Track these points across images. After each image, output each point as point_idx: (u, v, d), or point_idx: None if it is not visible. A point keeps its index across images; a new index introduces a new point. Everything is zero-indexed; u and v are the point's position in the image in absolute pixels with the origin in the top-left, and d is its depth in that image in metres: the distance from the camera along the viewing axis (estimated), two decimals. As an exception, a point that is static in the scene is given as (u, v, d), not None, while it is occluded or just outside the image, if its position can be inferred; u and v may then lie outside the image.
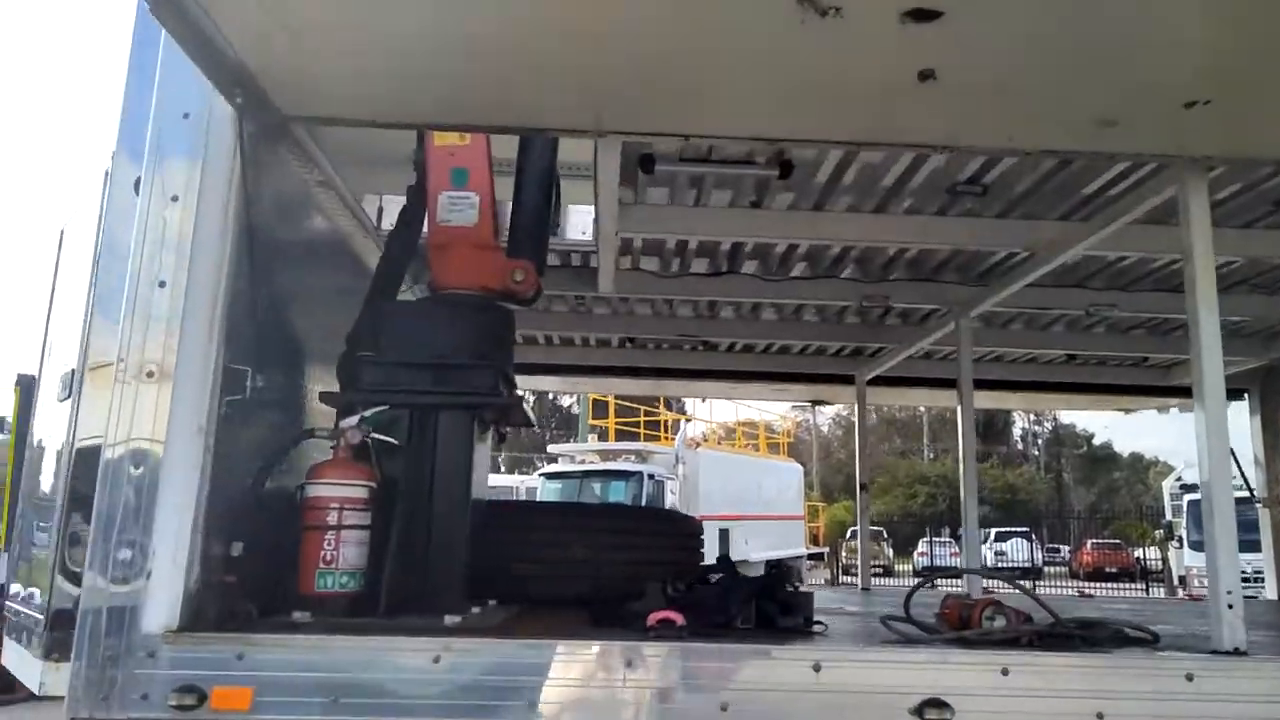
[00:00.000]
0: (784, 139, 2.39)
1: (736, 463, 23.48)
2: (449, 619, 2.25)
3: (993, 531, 39.49)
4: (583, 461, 21.45)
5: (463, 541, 2.60)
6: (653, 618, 2.33)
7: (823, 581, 30.32)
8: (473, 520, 2.83)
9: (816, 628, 2.62)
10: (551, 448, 24.95)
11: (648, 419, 23.11)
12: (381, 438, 2.54)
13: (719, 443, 28.04)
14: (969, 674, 2.15)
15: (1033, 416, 58.62)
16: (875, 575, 36.06)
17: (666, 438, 21.80)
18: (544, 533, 3.20)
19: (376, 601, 2.37)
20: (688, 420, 25.05)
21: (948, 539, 40.58)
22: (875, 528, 43.35)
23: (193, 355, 2.18)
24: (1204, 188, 2.41)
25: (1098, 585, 30.60)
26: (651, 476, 20.15)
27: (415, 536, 2.51)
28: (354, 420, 2.48)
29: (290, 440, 2.45)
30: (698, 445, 21.38)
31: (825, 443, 64.57)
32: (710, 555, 15.95)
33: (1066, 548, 40.31)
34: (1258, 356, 4.97)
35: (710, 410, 26.36)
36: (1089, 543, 37.37)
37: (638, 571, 2.94)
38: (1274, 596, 5.52)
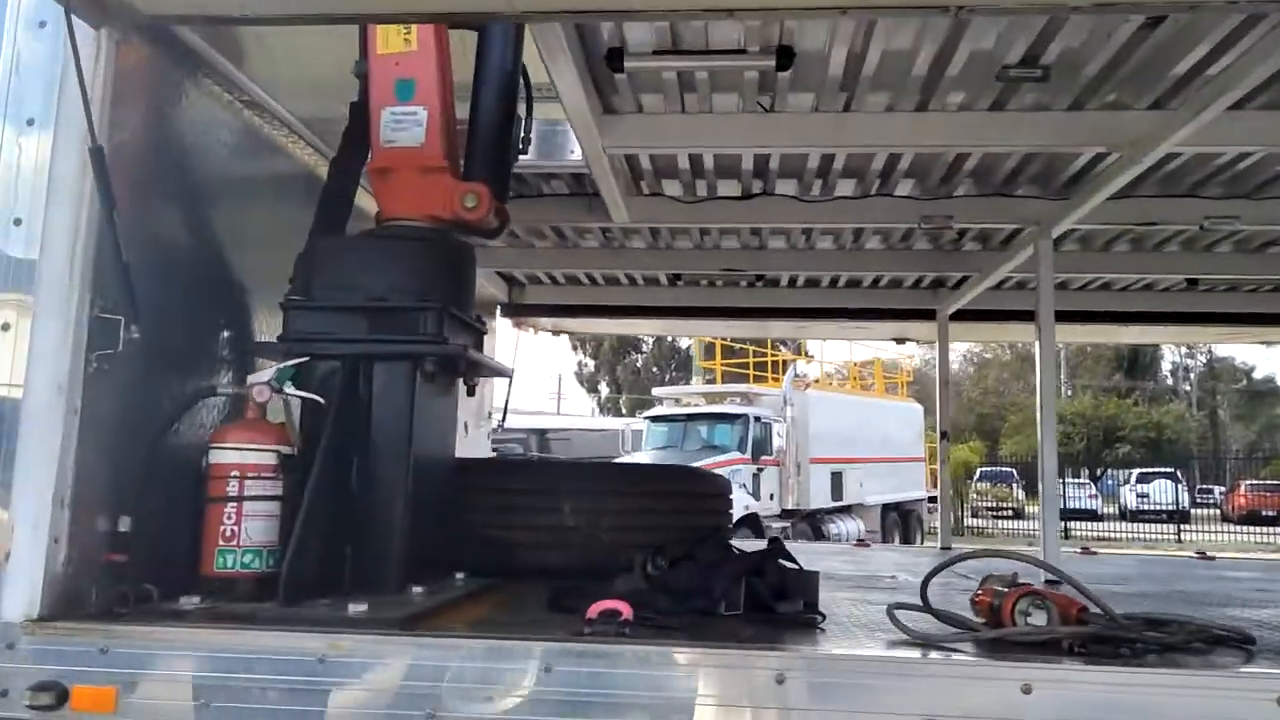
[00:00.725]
0: (752, 7, 1.85)
1: (849, 403, 22.65)
2: (354, 608, 1.91)
3: (1135, 472, 37.21)
4: (688, 405, 21.21)
5: (401, 511, 2.26)
6: (594, 609, 1.93)
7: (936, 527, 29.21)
8: (439, 483, 2.51)
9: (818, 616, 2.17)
10: (656, 390, 24.83)
11: (757, 360, 22.62)
12: (301, 394, 2.20)
13: (842, 384, 27.15)
14: (977, 691, 1.67)
15: (1184, 349, 54.90)
16: (1006, 519, 34.67)
17: (775, 379, 21.28)
18: (526, 496, 2.84)
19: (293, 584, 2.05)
20: (807, 360, 24.37)
21: (1085, 480, 38.54)
22: (1007, 469, 41.55)
23: (51, 304, 1.88)
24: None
25: (1253, 529, 28.36)
26: (758, 419, 19.77)
27: (337, 507, 2.18)
28: (264, 375, 2.15)
29: (188, 400, 2.14)
30: (807, 386, 20.71)
31: (956, 380, 62.38)
32: (821, 499, 15.68)
33: (1221, 489, 37.71)
34: None
35: (821, 351, 25.42)
36: (1244, 484, 34.81)
37: (636, 539, 2.56)
38: None
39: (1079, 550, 5.26)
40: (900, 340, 5.92)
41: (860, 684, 1.68)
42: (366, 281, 2.35)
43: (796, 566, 2.29)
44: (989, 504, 37.11)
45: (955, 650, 1.83)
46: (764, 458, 19.89)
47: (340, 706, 1.75)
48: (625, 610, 1.93)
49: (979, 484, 38.64)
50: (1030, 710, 1.63)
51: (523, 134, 2.68)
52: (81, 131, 1.88)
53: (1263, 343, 5.57)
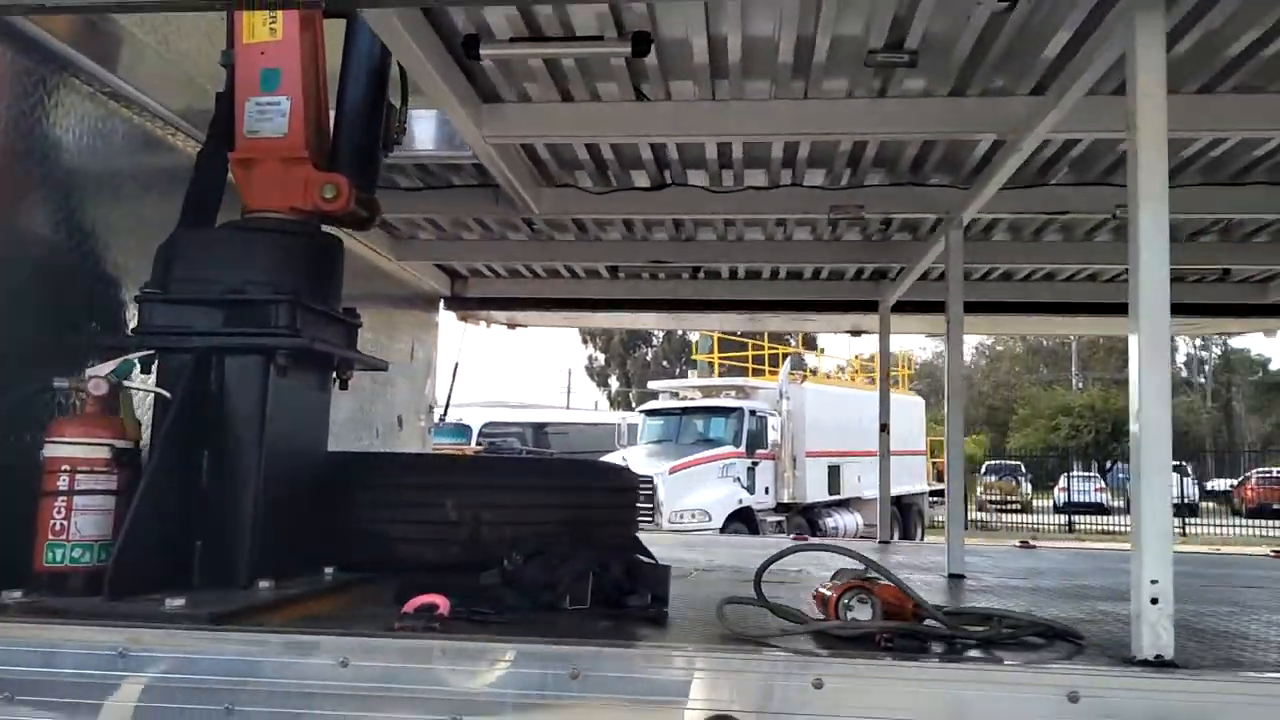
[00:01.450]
0: None
1: (846, 397, 22.54)
2: (170, 603, 1.90)
3: (1142, 466, 36.75)
4: (685, 398, 21.21)
5: (250, 506, 2.25)
6: (410, 604, 1.91)
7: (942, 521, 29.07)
8: (302, 477, 2.50)
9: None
10: (653, 384, 24.83)
11: (755, 354, 22.57)
12: (141, 387, 2.19)
13: (853, 376, 27.02)
14: (768, 684, 1.64)
15: (1199, 341, 54.40)
16: (1013, 512, 34.43)
17: (773, 373, 21.23)
18: (412, 491, 2.82)
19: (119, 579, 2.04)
20: (819, 355, 24.27)
21: (1093, 474, 38.21)
22: (1013, 462, 41.25)
23: None
24: (1158, 32, 1.71)
25: (1262, 523, 28.00)
26: (753, 412, 19.73)
27: (182, 501, 2.18)
28: (103, 369, 2.14)
29: (18, 396, 2.13)
30: (804, 379, 20.63)
31: (969, 373, 62.06)
32: (817, 493, 15.61)
33: (1233, 482, 37.36)
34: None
35: (824, 345, 25.35)
36: (1254, 476, 34.44)
37: (525, 534, 2.54)
38: None
39: (1019, 544, 5.22)
40: (855, 333, 5.87)
41: (646, 678, 1.65)
42: (223, 274, 2.34)
43: (650, 561, 2.27)
44: (995, 498, 36.90)
45: (765, 645, 1.80)
46: (759, 451, 19.83)
47: (140, 701, 1.74)
48: (442, 605, 1.91)
49: (986, 478, 38.40)
50: (818, 703, 1.60)
51: (397, 124, 2.66)
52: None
53: (1225, 334, 5.44)
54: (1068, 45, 2.43)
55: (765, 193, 3.49)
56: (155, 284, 2.37)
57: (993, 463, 40.05)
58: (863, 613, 1.88)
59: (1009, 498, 35.92)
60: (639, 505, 3.33)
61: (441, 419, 5.28)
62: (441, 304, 5.14)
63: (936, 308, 4.83)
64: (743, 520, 19.15)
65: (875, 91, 2.75)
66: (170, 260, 2.38)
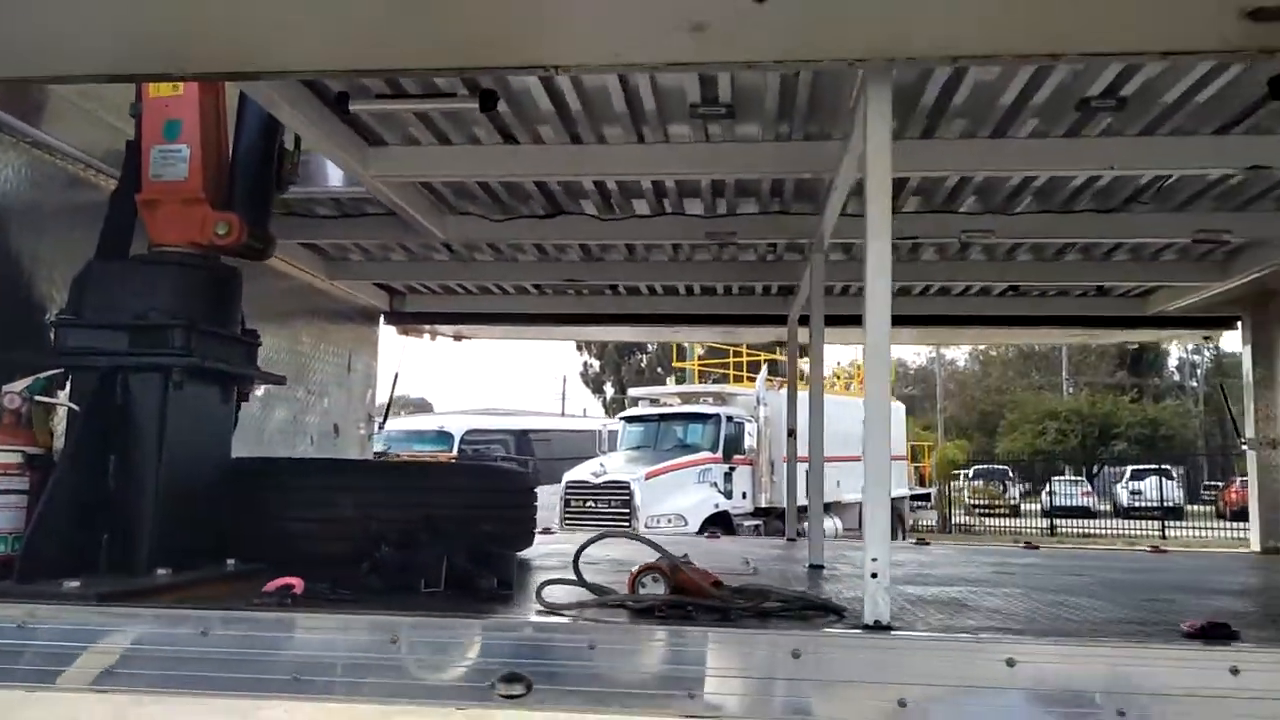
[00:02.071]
0: (337, 69, 2.13)
1: (826, 401, 22.89)
2: (67, 584, 2.24)
3: (1128, 469, 37.16)
4: (665, 405, 21.51)
5: (149, 504, 2.58)
6: (270, 585, 2.25)
7: (930, 525, 29.36)
8: (202, 479, 2.83)
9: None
10: (632, 391, 25.13)
11: (735, 360, 22.87)
12: (51, 400, 2.53)
13: (849, 381, 27.40)
14: (551, 646, 1.98)
15: (1190, 345, 54.60)
16: (1001, 516, 34.70)
17: (750, 379, 21.52)
18: (310, 492, 3.15)
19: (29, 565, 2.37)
20: (776, 361, 24.53)
21: (1079, 477, 38.49)
22: (1002, 466, 41.55)
23: None
24: (885, 95, 2.06)
25: (1243, 525, 28.32)
26: (729, 419, 20.03)
27: (89, 499, 2.51)
28: (16, 386, 2.48)
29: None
30: (781, 386, 20.96)
31: (962, 378, 62.39)
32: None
33: (1221, 485, 37.61)
34: (1240, 275, 4.32)
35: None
36: (1237, 480, 34.71)
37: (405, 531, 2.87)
38: (1257, 547, 4.93)
39: (915, 540, 5.55)
40: (778, 343, 6.19)
41: (452, 642, 1.99)
42: (128, 301, 2.68)
43: (498, 551, 2.60)
44: (983, 502, 37.14)
45: (561, 614, 2.14)
46: (736, 456, 20.10)
47: (36, 667, 2.07)
48: (298, 585, 2.25)
49: (973, 482, 38.68)
50: (593, 662, 1.94)
51: (290, 166, 3.00)
52: None
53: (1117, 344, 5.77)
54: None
55: (649, 221, 3.83)
56: (70, 309, 2.71)
57: (980, 467, 40.37)
58: (656, 589, 2.22)
59: (995, 502, 36.20)
60: (523, 504, 3.65)
61: (380, 426, 5.59)
62: (381, 319, 5.48)
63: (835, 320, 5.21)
64: (720, 524, 19.38)
65: (714, 136, 3.10)
66: (83, 289, 2.72)
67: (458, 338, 6.25)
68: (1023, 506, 35.79)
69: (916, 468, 27.65)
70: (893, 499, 19.24)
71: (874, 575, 2.01)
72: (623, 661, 1.96)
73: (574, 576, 2.38)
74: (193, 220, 2.78)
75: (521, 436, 21.54)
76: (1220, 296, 4.69)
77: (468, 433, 19.64)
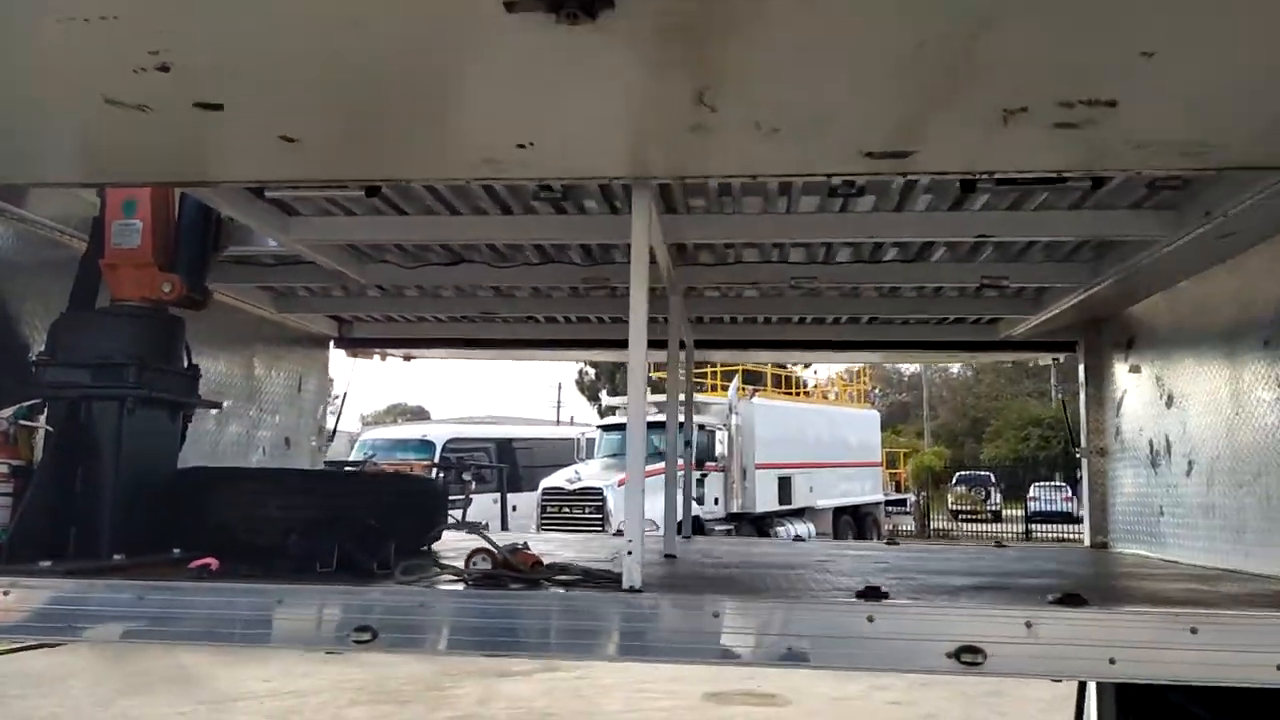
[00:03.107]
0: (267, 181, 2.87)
1: (797, 411, 23.65)
2: (42, 564, 2.97)
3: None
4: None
5: (108, 503, 3.32)
6: (194, 563, 2.99)
7: (910, 529, 30.04)
8: (153, 483, 3.56)
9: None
10: (607, 400, 25.81)
11: (710, 370, 23.54)
12: (30, 424, 3.27)
13: (825, 396, 28.23)
14: (391, 605, 2.72)
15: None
16: (984, 522, 35.39)
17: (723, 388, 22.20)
18: (247, 494, 3.88)
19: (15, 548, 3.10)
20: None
21: (1061, 483, 39.18)
22: (984, 472, 42.31)
23: None
24: (645, 197, 2.81)
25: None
26: (701, 427, 20.61)
27: (61, 500, 3.25)
28: (4, 412, 3.22)
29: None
30: (753, 395, 21.68)
31: (955, 386, 63.24)
32: (767, 503, 16.70)
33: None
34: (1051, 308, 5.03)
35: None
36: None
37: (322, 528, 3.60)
38: (1087, 542, 5.66)
39: (887, 541, 6.26)
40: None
41: (323, 603, 2.73)
42: (94, 345, 3.43)
43: (380, 538, 3.33)
44: (966, 507, 37.82)
45: (405, 584, 2.87)
46: (707, 464, 20.71)
47: (18, 622, 2.81)
48: (214, 564, 2.99)
49: (956, 488, 39.39)
50: (422, 617, 2.67)
51: (224, 234, 3.75)
52: None
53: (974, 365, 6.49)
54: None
55: (535, 268, 4.57)
56: (47, 350, 3.45)
57: (964, 473, 41.13)
58: (484, 566, 2.95)
59: (977, 507, 36.95)
60: (425, 505, 4.39)
61: (329, 439, 6.32)
62: (331, 344, 6.23)
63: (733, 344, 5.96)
64: (691, 530, 20.00)
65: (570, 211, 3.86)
66: (58, 333, 3.46)
67: (406, 358, 6.98)
68: (1005, 512, 36.50)
69: (893, 474, 28.46)
70: (866, 505, 20.27)
71: (629, 553, 2.75)
72: (445, 616, 2.70)
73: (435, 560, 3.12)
74: (144, 280, 3.52)
75: (504, 445, 22.22)
76: (1056, 323, 5.42)
77: (449, 441, 20.33)
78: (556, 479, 19.04)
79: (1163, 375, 4.92)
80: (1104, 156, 2.48)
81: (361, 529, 3.36)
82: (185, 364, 3.72)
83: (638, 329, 2.82)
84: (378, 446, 21.25)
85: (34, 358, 3.47)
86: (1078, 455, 5.68)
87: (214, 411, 4.69)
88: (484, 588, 2.81)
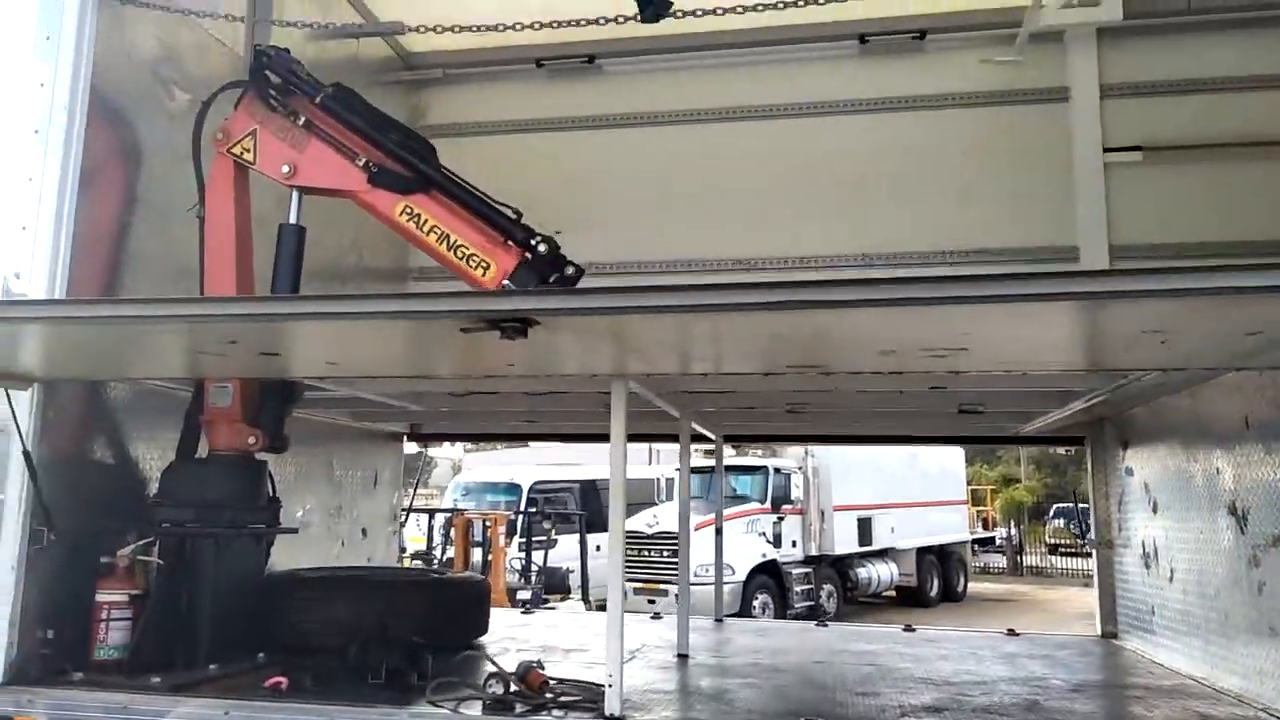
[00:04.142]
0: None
1: (877, 451, 23.69)
2: (152, 679, 3.74)
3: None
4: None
5: (205, 621, 4.09)
6: (268, 681, 3.72)
7: (1001, 567, 29.48)
8: (242, 598, 4.33)
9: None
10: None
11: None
12: (147, 559, 4.06)
13: None
14: (416, 727, 3.38)
15: None
16: (1085, 557, 34.32)
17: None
18: (320, 601, 4.62)
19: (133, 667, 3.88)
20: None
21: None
22: (1084, 505, 40.92)
23: (10, 524, 3.80)
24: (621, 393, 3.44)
25: None
26: (777, 470, 20.99)
27: (172, 621, 4.04)
28: (127, 550, 4.03)
29: (87, 568, 4.02)
30: (830, 438, 21.86)
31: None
32: (847, 545, 17.21)
33: None
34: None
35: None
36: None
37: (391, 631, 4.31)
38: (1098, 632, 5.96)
39: (904, 627, 6.70)
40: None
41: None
42: (197, 489, 4.23)
43: (424, 649, 4.00)
44: (1063, 542, 36.75)
45: (439, 706, 3.53)
46: (785, 506, 21.02)
47: (129, 730, 3.58)
48: (284, 683, 3.71)
49: (1054, 521, 38.29)
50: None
51: (300, 393, 4.53)
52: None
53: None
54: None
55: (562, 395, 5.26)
56: (159, 495, 4.27)
57: (1062, 505, 39.91)
58: (496, 689, 3.59)
59: (1075, 542, 35.88)
60: (471, 608, 5.07)
61: (402, 524, 7.10)
62: (404, 439, 7.03)
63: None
64: (768, 573, 20.39)
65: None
66: (167, 481, 4.28)
67: (472, 443, 7.75)
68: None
69: (979, 511, 28.05)
70: (951, 544, 20.49)
71: (610, 685, 3.35)
72: None
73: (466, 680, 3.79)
74: (235, 433, 4.31)
75: (587, 486, 22.93)
76: (1066, 420, 5.79)
77: (535, 484, 21.15)
78: (636, 522, 19.57)
79: (1149, 482, 5.26)
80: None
81: (407, 644, 4.05)
82: (268, 499, 4.49)
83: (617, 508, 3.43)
84: (470, 489, 22.25)
85: (150, 500, 4.28)
86: (1085, 547, 6.00)
87: (298, 514, 5.50)
88: (494, 712, 3.45)
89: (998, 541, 28.84)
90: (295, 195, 4.41)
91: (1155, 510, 5.15)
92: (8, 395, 3.75)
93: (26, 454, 3.77)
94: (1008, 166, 6.55)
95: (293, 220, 4.40)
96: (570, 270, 4.14)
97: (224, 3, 5.12)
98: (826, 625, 6.62)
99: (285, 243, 4.36)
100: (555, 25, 5.07)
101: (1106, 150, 6.41)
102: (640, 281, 6.31)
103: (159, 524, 4.17)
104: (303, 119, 4.34)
